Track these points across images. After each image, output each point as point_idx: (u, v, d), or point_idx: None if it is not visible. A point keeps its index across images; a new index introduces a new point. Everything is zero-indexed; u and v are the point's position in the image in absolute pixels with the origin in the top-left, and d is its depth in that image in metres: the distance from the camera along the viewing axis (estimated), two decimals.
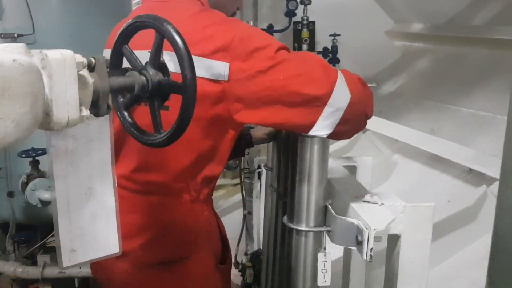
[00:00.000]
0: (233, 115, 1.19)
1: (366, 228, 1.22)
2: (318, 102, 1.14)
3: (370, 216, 1.27)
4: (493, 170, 2.30)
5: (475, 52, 3.22)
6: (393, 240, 1.37)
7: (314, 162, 1.35)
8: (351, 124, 1.24)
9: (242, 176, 2.56)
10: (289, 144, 1.44)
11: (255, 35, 1.17)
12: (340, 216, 1.31)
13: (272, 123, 1.21)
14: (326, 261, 1.38)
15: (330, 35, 3.57)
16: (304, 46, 3.55)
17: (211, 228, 1.37)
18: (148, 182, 1.28)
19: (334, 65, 3.64)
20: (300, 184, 1.37)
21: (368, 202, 1.36)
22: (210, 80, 1.15)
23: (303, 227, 1.38)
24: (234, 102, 1.17)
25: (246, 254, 2.66)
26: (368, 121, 1.33)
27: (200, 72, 1.11)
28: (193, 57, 1.07)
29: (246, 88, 1.14)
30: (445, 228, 2.28)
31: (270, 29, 3.57)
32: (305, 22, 3.53)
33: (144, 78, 0.88)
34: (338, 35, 3.56)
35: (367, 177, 1.82)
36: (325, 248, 1.38)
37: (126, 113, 0.95)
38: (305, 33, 3.53)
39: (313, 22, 3.59)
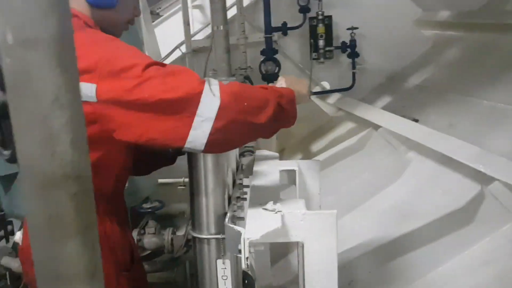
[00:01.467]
0: (111, 134, 1.21)
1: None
2: (187, 112, 1.14)
3: (255, 224, 1.23)
4: (492, 169, 2.08)
5: (505, 40, 2.93)
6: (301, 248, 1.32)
7: (208, 170, 1.34)
8: (229, 134, 1.22)
9: None
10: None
11: (123, 55, 1.18)
12: (229, 224, 1.28)
13: (147, 139, 1.19)
14: (225, 268, 1.36)
15: (348, 29, 3.42)
16: (321, 42, 3.45)
17: (114, 239, 1.40)
18: None
19: (353, 60, 3.50)
20: (197, 192, 1.36)
21: (266, 209, 1.32)
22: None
23: (203, 235, 1.37)
24: (108, 122, 1.19)
25: None
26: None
27: None
28: None
29: (115, 108, 1.16)
30: (441, 231, 2.13)
31: (284, 27, 3.51)
32: (320, 17, 3.42)
33: None
34: (356, 28, 3.40)
35: (313, 181, 1.74)
36: (223, 255, 1.36)
37: None
38: (320, 29, 3.43)
39: (330, 17, 3.47)
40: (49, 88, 0.40)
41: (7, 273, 2.67)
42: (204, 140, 1.17)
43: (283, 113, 1.35)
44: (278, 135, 3.82)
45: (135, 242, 1.56)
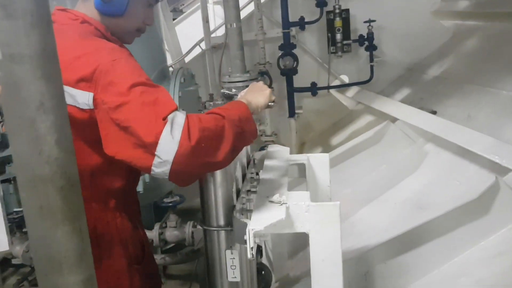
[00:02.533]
0: (104, 148, 1.24)
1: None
2: (148, 150, 1.16)
3: (261, 216, 1.28)
4: (508, 160, 2.07)
5: None
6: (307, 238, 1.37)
7: None
8: (188, 174, 1.24)
9: None
10: None
11: (116, 68, 1.21)
12: (236, 216, 1.34)
13: (121, 159, 1.21)
14: (234, 258, 1.41)
15: (365, 22, 3.42)
16: (338, 36, 3.46)
17: (125, 234, 1.46)
18: None
19: (371, 53, 3.49)
20: (206, 186, 1.41)
21: (273, 202, 1.37)
22: (78, 108, 1.22)
23: (213, 227, 1.43)
24: (100, 130, 1.23)
25: None
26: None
27: (67, 99, 1.18)
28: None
29: (104, 119, 1.20)
30: (457, 222, 2.13)
31: (301, 22, 3.53)
32: (337, 10, 3.43)
33: None
34: (373, 21, 3.40)
35: (322, 174, 1.78)
36: (231, 246, 1.41)
37: None
38: (338, 22, 3.44)
39: (347, 10, 3.48)
40: (34, 96, 0.46)
41: None
42: (166, 176, 1.19)
43: (242, 138, 1.32)
44: (298, 129, 3.86)
45: (147, 237, 1.62)
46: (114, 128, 1.18)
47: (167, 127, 1.15)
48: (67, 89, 1.21)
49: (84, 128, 1.26)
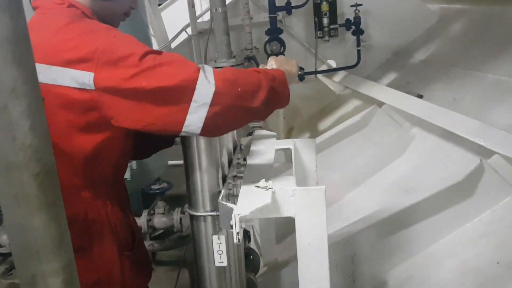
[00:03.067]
0: (109, 121, 1.26)
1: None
2: (183, 98, 1.20)
3: (246, 201, 1.28)
4: (492, 142, 2.09)
5: (511, 12, 2.89)
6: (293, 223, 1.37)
7: (201, 150, 1.39)
8: (224, 118, 1.28)
9: None
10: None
11: (120, 44, 1.22)
12: (222, 202, 1.34)
13: (144, 125, 1.24)
14: (221, 243, 1.42)
15: (352, 6, 3.40)
16: (325, 20, 3.44)
17: (116, 221, 1.46)
18: None
19: (358, 37, 3.49)
20: (191, 171, 1.41)
21: (258, 187, 1.37)
22: (78, 89, 1.22)
23: (199, 213, 1.43)
24: (106, 109, 1.24)
25: None
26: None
27: (66, 82, 1.21)
28: (57, 67, 1.18)
29: (113, 95, 1.21)
30: (442, 204, 2.16)
31: (288, 6, 3.51)
32: None
33: None
34: (360, 4, 3.38)
35: (309, 158, 1.78)
36: (218, 231, 1.42)
37: None
38: (324, 7, 3.41)
39: None
40: (6, 81, 0.45)
41: None
42: (200, 124, 1.22)
43: (276, 96, 1.39)
44: (286, 114, 3.86)
45: (136, 224, 1.62)
46: (131, 99, 1.19)
47: (201, 72, 1.20)
48: (67, 71, 1.20)
49: (82, 110, 1.25)
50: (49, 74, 1.21)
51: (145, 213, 2.78)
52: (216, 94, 1.20)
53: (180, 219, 2.73)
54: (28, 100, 0.46)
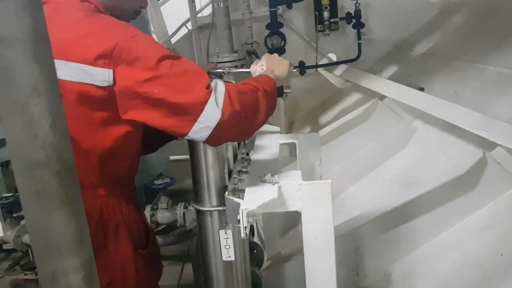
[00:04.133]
0: (122, 115, 1.25)
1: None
2: (189, 116, 1.21)
3: (253, 196, 1.29)
4: (495, 135, 2.10)
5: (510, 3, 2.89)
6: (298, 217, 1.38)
7: (207, 146, 1.39)
8: (227, 138, 1.33)
9: None
10: None
11: (138, 43, 1.21)
12: (229, 196, 1.34)
13: (154, 125, 1.25)
14: (228, 238, 1.42)
15: None
16: (325, 13, 3.44)
17: (130, 219, 1.45)
18: None
19: (358, 30, 3.48)
20: (198, 167, 1.42)
21: (265, 181, 1.37)
22: (96, 86, 1.22)
23: (206, 208, 1.44)
24: (120, 105, 1.24)
25: None
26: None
27: (84, 78, 1.21)
28: (75, 64, 1.19)
29: (126, 94, 1.21)
30: (445, 197, 2.16)
31: (288, 0, 3.50)
32: None
33: None
34: None
35: (313, 153, 1.79)
36: (225, 226, 1.42)
37: None
38: (325, 0, 3.41)
39: None
40: (27, 80, 0.45)
41: (29, 249, 2.80)
42: (202, 140, 1.26)
43: (270, 111, 1.39)
44: (287, 109, 3.85)
45: (148, 219, 1.62)
46: (140, 101, 1.20)
47: (213, 95, 1.20)
48: (84, 67, 1.20)
49: (99, 106, 1.25)
50: (66, 70, 1.20)
51: (148, 208, 2.78)
52: (220, 123, 1.21)
53: (184, 213, 2.73)
54: (48, 98, 0.46)
